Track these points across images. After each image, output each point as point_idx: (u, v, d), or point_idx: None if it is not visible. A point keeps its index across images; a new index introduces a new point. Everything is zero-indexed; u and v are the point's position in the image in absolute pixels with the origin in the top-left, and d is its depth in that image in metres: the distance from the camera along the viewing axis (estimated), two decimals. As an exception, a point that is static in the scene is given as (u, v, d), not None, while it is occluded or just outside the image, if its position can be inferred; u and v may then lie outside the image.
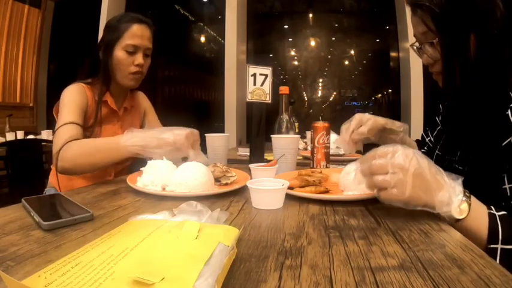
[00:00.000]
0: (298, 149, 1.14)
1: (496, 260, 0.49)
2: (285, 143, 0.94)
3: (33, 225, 0.51)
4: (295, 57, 3.75)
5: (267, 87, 1.03)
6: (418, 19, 0.67)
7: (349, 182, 0.68)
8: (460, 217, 0.51)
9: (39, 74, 3.99)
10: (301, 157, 1.28)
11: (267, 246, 0.43)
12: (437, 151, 0.89)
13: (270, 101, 1.03)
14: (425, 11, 0.65)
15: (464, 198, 0.52)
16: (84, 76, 1.12)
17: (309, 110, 3.68)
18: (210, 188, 0.72)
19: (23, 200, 0.61)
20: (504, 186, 0.58)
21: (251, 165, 0.80)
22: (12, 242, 0.44)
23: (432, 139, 0.99)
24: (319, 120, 0.99)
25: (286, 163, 0.92)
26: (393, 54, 3.35)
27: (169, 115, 1.40)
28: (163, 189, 0.71)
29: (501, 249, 0.50)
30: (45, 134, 2.88)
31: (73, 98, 1.03)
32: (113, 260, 0.32)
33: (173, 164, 0.76)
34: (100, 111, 1.08)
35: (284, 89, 1.12)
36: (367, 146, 0.91)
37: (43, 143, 2.41)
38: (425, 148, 1.02)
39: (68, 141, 0.89)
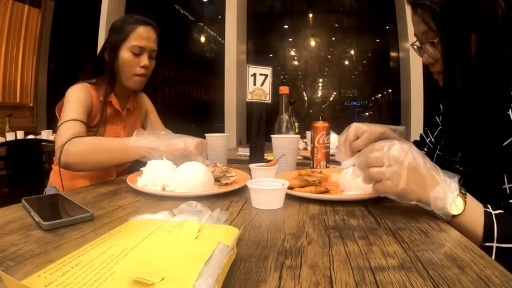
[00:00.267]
0: (298, 149, 1.14)
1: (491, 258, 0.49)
2: (285, 143, 0.94)
3: (33, 225, 0.51)
4: (295, 57, 3.75)
5: (267, 87, 1.03)
6: (418, 18, 0.67)
7: (349, 182, 0.68)
8: (455, 213, 0.52)
9: (39, 74, 3.99)
10: (301, 157, 1.28)
11: (267, 246, 0.43)
12: (437, 151, 0.89)
13: (270, 101, 1.03)
14: (426, 10, 0.65)
15: (459, 195, 0.52)
16: (88, 76, 1.12)
17: (309, 110, 3.68)
18: (210, 188, 0.72)
19: (23, 200, 0.61)
20: (504, 186, 0.58)
21: (251, 165, 0.80)
22: (12, 242, 0.44)
23: (433, 139, 0.99)
24: (319, 120, 0.99)
25: (286, 163, 0.92)
26: (393, 54, 3.36)
27: (169, 115, 1.40)
28: (163, 189, 0.71)
29: (496, 247, 0.50)
30: (45, 134, 2.89)
31: (78, 96, 1.03)
32: (112, 260, 0.32)
33: (173, 164, 0.76)
34: (105, 112, 1.08)
35: (284, 89, 1.12)
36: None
37: (43, 143, 2.42)
38: (426, 149, 1.02)
39: (73, 137, 0.88)
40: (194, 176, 0.69)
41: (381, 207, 0.61)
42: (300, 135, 1.13)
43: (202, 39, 3.99)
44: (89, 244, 0.36)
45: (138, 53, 1.08)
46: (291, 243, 0.44)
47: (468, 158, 0.70)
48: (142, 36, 1.08)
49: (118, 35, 1.08)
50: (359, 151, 0.63)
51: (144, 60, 1.09)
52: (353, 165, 0.61)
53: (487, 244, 0.50)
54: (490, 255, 0.49)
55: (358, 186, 0.66)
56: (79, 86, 1.06)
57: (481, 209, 0.53)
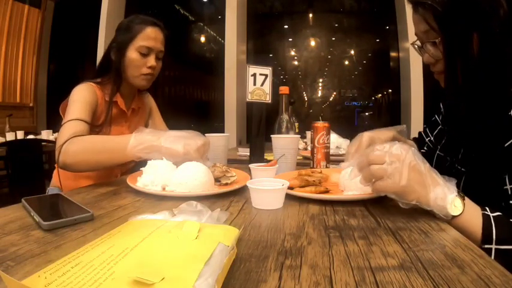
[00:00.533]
0: (298, 149, 1.14)
1: None
2: (285, 143, 0.94)
3: (33, 225, 0.51)
4: (295, 57, 3.75)
5: (267, 87, 1.03)
6: (419, 17, 0.67)
7: (349, 182, 0.68)
8: (455, 214, 0.52)
9: (39, 74, 3.99)
10: (301, 157, 1.28)
11: (267, 246, 0.43)
12: (438, 152, 0.89)
13: (270, 101, 1.03)
14: (427, 9, 0.64)
15: (458, 196, 0.52)
16: (92, 75, 1.12)
17: (309, 110, 3.68)
18: (210, 188, 0.72)
19: (23, 200, 0.61)
20: (505, 187, 0.58)
21: (251, 165, 0.80)
22: (12, 242, 0.44)
23: (432, 139, 0.99)
24: (319, 120, 0.99)
25: (286, 163, 0.92)
26: (393, 54, 3.36)
27: (169, 115, 1.40)
28: (163, 189, 0.71)
29: (495, 249, 0.50)
30: (45, 134, 2.89)
31: (83, 96, 1.02)
32: (112, 260, 0.32)
33: (173, 164, 0.76)
34: (110, 112, 1.07)
35: (284, 89, 1.12)
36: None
37: (43, 143, 2.42)
38: (425, 148, 1.02)
39: (73, 136, 0.86)
40: (194, 176, 0.69)
41: (381, 207, 0.61)
42: (300, 135, 1.12)
43: (202, 39, 3.99)
44: (89, 244, 0.36)
45: (145, 53, 1.08)
46: (291, 243, 0.44)
47: (469, 159, 0.70)
48: (150, 36, 1.08)
49: (125, 34, 1.08)
50: None
51: (151, 60, 1.09)
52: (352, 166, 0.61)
53: (486, 246, 0.50)
54: (490, 257, 0.50)
55: (358, 186, 0.65)
56: (84, 86, 1.05)
57: (479, 212, 0.53)
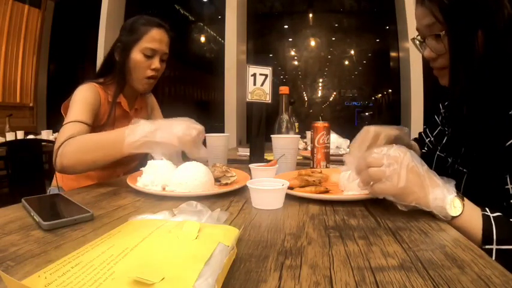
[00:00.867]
0: (298, 149, 1.14)
1: None
2: (285, 143, 0.94)
3: (33, 225, 0.51)
4: (295, 57, 3.75)
5: (267, 87, 1.03)
6: (425, 10, 0.67)
7: (350, 182, 0.68)
8: (454, 214, 0.52)
9: (39, 74, 3.99)
10: (301, 157, 1.28)
11: (267, 246, 0.43)
12: (438, 152, 0.88)
13: (270, 101, 1.03)
14: (433, 2, 0.65)
15: (457, 197, 0.53)
16: (94, 75, 1.11)
17: (309, 110, 3.68)
18: (210, 188, 0.72)
19: (23, 200, 0.61)
20: (507, 187, 0.58)
21: (251, 165, 0.80)
22: (12, 242, 0.44)
23: (432, 139, 0.99)
24: (319, 120, 0.99)
25: (286, 163, 0.92)
26: (393, 54, 3.36)
27: (169, 115, 1.40)
28: (163, 189, 0.71)
29: (496, 249, 0.50)
30: (45, 134, 2.88)
31: (85, 96, 1.01)
32: (112, 260, 0.32)
33: (173, 164, 0.76)
34: (114, 113, 1.07)
35: (284, 89, 1.12)
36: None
37: (43, 143, 2.41)
38: (425, 149, 1.01)
39: (70, 138, 0.85)
40: (194, 176, 0.69)
41: (381, 207, 0.61)
42: (300, 135, 1.12)
43: (202, 39, 3.99)
44: (89, 244, 0.36)
45: (150, 55, 1.07)
46: (291, 243, 0.44)
47: (470, 159, 0.70)
48: (155, 38, 1.07)
49: (130, 35, 1.07)
50: None
51: (156, 63, 1.08)
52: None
53: (487, 247, 0.50)
54: (490, 257, 0.49)
55: (353, 184, 0.66)
56: (87, 86, 1.04)
57: (478, 213, 0.53)
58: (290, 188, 0.67)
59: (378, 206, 0.61)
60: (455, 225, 0.52)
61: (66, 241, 0.44)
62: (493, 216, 0.52)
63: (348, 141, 1.44)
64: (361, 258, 0.39)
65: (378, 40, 3.55)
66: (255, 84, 1.02)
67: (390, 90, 3.48)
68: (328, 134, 0.98)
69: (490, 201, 0.56)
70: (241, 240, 0.44)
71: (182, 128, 0.79)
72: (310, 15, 3.66)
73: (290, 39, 3.76)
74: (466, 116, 0.70)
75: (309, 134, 1.58)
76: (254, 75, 1.02)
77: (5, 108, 3.45)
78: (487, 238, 0.51)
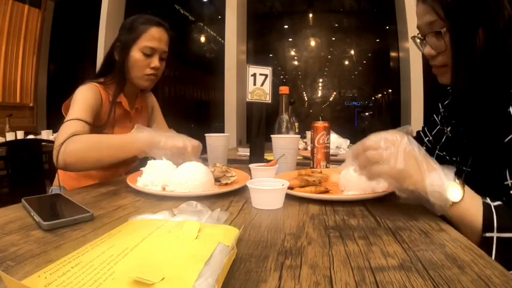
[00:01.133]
0: (298, 149, 1.14)
1: (492, 249, 0.49)
2: (285, 143, 0.94)
3: (33, 225, 0.51)
4: (295, 57, 3.75)
5: (267, 87, 1.03)
6: (427, 7, 0.67)
7: (349, 182, 0.68)
8: (454, 200, 0.52)
9: (39, 74, 3.99)
10: (301, 157, 1.28)
11: (267, 246, 0.43)
12: (437, 151, 0.89)
13: (270, 101, 1.03)
14: None
15: (457, 182, 0.52)
16: (94, 75, 1.11)
17: (309, 110, 3.68)
18: (210, 188, 0.72)
19: (23, 200, 0.61)
20: (506, 182, 0.58)
21: (251, 165, 0.80)
22: (12, 242, 0.44)
23: (431, 138, 0.99)
24: (319, 120, 0.99)
25: (286, 163, 0.92)
26: (393, 54, 3.36)
27: (169, 115, 1.40)
28: (163, 189, 0.71)
29: (497, 237, 0.50)
30: (45, 134, 2.88)
31: (86, 96, 1.01)
32: (112, 260, 0.32)
33: (173, 164, 0.76)
34: (114, 112, 1.07)
35: (284, 89, 1.12)
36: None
37: (43, 143, 2.41)
38: (424, 148, 1.01)
39: (72, 135, 0.86)
40: (194, 176, 0.69)
41: (381, 207, 0.61)
42: (300, 135, 1.12)
43: (202, 39, 3.99)
44: (89, 244, 0.36)
45: (149, 53, 1.07)
46: (291, 243, 0.44)
47: (470, 156, 0.70)
48: (155, 37, 1.07)
49: (129, 34, 1.07)
50: None
51: (155, 61, 1.08)
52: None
53: (487, 235, 0.50)
54: (491, 245, 0.49)
55: (358, 186, 0.66)
56: (88, 86, 1.04)
57: (479, 201, 0.53)
58: (290, 188, 0.67)
59: (378, 206, 0.61)
60: (455, 213, 0.52)
61: (66, 241, 0.44)
62: (493, 205, 0.52)
63: (348, 141, 1.44)
64: (361, 258, 0.39)
65: (377, 40, 3.55)
66: (255, 84, 1.02)
67: (390, 90, 3.48)
68: (328, 134, 0.98)
69: (489, 197, 0.56)
70: (241, 240, 0.44)
71: (184, 137, 0.86)
72: (310, 15, 3.66)
73: (290, 39, 3.76)
74: (466, 114, 0.71)
75: (309, 134, 1.58)
76: (254, 75, 1.02)
77: (5, 108, 3.46)
78: (487, 226, 0.51)
